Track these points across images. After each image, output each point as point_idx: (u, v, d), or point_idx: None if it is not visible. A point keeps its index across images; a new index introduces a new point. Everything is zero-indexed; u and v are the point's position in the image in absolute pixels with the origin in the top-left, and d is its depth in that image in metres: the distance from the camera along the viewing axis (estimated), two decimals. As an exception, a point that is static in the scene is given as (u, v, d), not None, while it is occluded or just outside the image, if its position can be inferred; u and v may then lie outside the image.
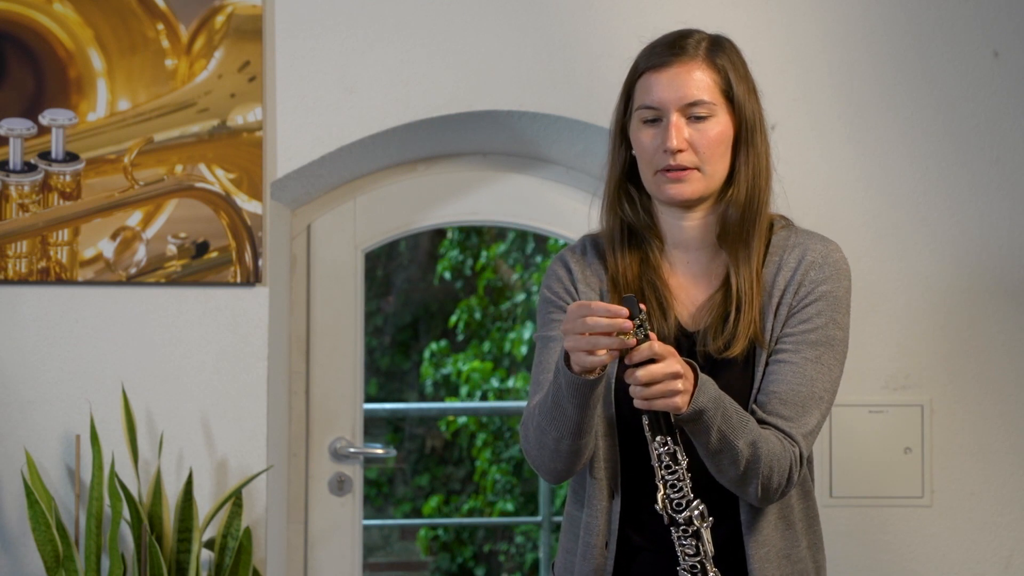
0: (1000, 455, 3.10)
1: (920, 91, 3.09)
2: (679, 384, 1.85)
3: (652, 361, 1.85)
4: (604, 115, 3.01)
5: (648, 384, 1.85)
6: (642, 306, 1.87)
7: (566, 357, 1.92)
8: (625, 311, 1.84)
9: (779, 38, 3.08)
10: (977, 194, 3.10)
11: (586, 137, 3.12)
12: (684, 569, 1.93)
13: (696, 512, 1.90)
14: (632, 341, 1.85)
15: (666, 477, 1.90)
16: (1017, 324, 3.10)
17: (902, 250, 3.09)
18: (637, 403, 1.87)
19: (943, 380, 3.09)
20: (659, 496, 1.90)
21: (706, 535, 1.91)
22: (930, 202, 3.09)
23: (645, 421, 1.90)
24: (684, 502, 1.90)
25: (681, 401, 1.86)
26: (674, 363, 1.85)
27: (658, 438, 1.89)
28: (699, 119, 2.04)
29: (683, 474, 1.89)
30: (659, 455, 1.89)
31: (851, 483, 3.07)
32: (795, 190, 3.05)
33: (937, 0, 3.09)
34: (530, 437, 2.05)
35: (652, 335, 1.86)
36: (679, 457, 1.89)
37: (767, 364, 2.05)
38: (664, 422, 1.89)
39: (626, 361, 1.87)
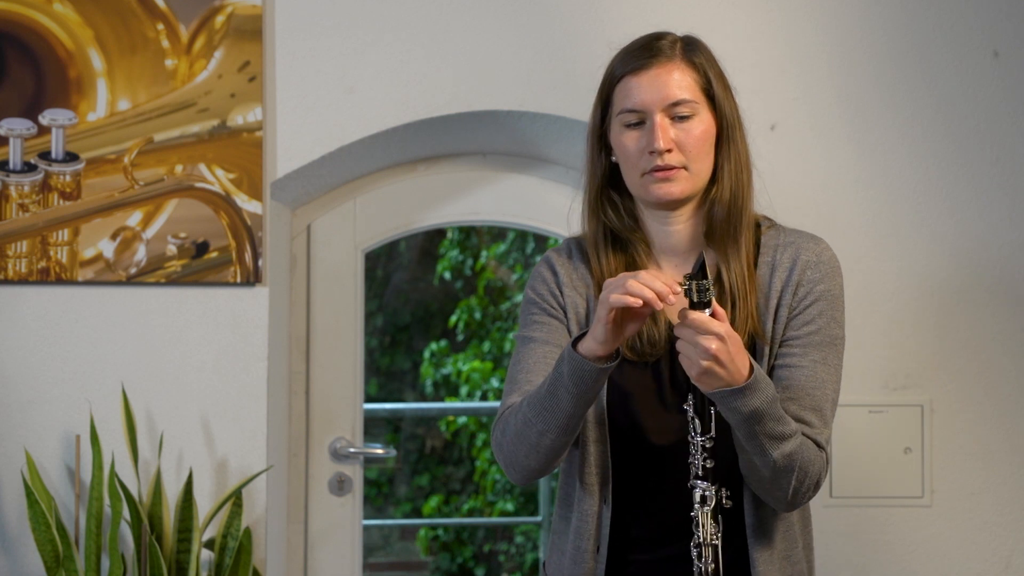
0: (1000, 455, 3.10)
1: (920, 91, 3.09)
2: (714, 344, 1.83)
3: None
4: (604, 115, 3.04)
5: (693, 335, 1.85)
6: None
7: (574, 342, 1.92)
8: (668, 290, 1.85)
9: (779, 38, 3.08)
10: (977, 194, 3.10)
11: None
12: (693, 546, 1.96)
13: (700, 494, 1.93)
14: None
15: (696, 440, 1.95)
16: (1017, 324, 3.10)
17: (902, 250, 3.09)
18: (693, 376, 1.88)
19: (943, 380, 3.09)
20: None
21: (703, 520, 1.92)
22: (930, 202, 3.09)
23: (690, 401, 1.94)
24: (699, 471, 1.94)
25: (707, 365, 1.84)
26: (721, 325, 1.84)
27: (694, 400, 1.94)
28: (683, 118, 2.04)
29: (698, 444, 1.92)
30: (691, 418, 1.94)
31: (851, 483, 3.07)
32: (795, 190, 3.06)
33: (937, 0, 3.09)
34: (508, 431, 2.04)
35: (715, 303, 1.86)
36: (698, 427, 1.92)
37: (774, 368, 2.05)
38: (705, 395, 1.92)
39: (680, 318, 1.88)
